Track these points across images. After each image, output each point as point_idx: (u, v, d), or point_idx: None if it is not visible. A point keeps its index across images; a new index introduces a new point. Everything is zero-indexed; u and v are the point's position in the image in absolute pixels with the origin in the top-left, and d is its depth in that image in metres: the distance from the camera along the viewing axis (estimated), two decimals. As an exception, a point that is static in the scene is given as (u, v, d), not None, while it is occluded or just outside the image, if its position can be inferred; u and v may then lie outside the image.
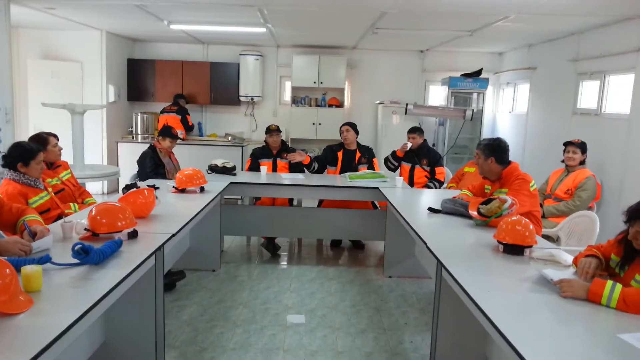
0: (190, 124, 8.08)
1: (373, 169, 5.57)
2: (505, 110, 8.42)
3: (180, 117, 7.95)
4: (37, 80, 7.26)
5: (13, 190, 3.28)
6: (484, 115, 8.31)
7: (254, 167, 5.60)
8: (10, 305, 1.77)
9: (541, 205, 4.53)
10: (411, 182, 5.63)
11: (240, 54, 8.39)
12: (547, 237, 3.91)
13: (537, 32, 6.39)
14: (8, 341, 1.61)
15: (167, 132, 5.05)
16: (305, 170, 5.71)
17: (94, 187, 7.46)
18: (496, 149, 3.61)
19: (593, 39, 5.76)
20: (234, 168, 5.30)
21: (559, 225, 4.19)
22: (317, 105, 8.53)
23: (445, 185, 5.65)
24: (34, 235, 2.52)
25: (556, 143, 4.94)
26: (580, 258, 2.39)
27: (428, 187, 5.51)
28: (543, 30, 6.16)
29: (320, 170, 5.70)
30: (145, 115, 8.04)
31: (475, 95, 8.29)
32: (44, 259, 2.23)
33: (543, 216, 4.44)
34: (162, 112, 8.00)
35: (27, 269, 1.97)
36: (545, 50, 7.02)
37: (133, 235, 2.78)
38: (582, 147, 4.63)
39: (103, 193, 7.72)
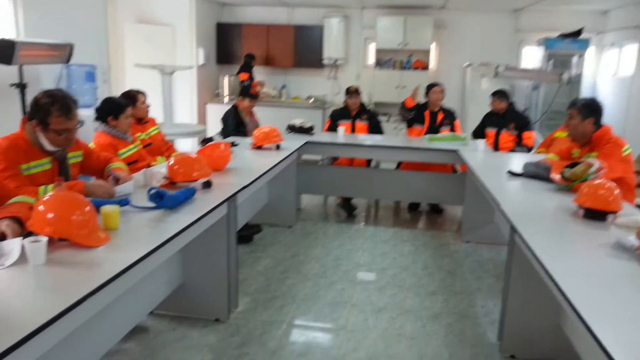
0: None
1: (455, 131, 5.38)
2: (607, 74, 7.74)
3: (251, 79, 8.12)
4: (133, 44, 7.68)
5: (104, 141, 3.53)
6: (582, 79, 7.69)
7: (333, 128, 5.60)
8: (89, 238, 1.93)
9: (639, 174, 4.17)
10: (496, 147, 5.37)
11: (324, 17, 8.32)
12: (642, 207, 3.60)
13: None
14: (86, 269, 1.76)
15: (246, 92, 5.17)
16: (404, 114, 5.58)
17: (186, 145, 7.85)
18: (595, 110, 3.34)
19: None
20: (311, 128, 5.34)
21: (657, 194, 3.83)
22: (402, 68, 8.31)
23: (534, 150, 5.34)
24: (117, 181, 2.71)
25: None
26: None
27: (514, 152, 5.24)
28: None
29: (409, 121, 5.57)
30: (232, 78, 8.27)
31: (574, 59, 7.67)
32: (124, 202, 2.40)
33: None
34: (244, 68, 8.14)
35: (106, 208, 2.13)
36: (658, 4, 6.32)
37: (207, 185, 2.91)
38: None
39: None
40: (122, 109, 3.59)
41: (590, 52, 7.76)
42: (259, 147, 4.34)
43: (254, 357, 2.64)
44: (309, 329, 2.98)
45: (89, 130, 4.06)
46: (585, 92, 7.79)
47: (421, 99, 5.57)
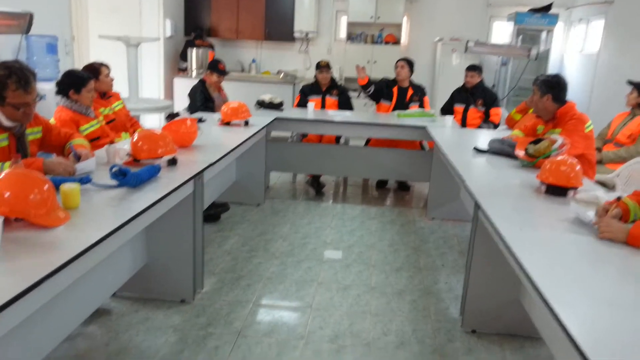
0: None
1: (424, 108, 5.41)
2: (574, 50, 7.85)
3: (214, 52, 7.98)
4: (97, 14, 7.40)
5: (65, 116, 3.42)
6: (550, 55, 7.78)
7: (303, 103, 5.56)
8: (47, 218, 1.88)
9: (599, 150, 4.28)
10: (464, 124, 5.43)
11: (295, -13, 8.18)
12: (602, 183, 3.71)
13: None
14: (44, 251, 1.71)
15: (214, 67, 5.06)
16: (362, 91, 5.61)
17: (152, 120, 7.69)
18: (554, 86, 3.39)
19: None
20: (281, 104, 5.29)
21: (616, 171, 3.94)
22: (373, 42, 8.26)
23: (500, 127, 5.41)
24: (78, 158, 2.64)
25: (628, 86, 4.58)
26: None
27: (481, 128, 5.30)
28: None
29: (374, 97, 5.58)
30: (200, 51, 8.09)
31: (543, 34, 7.74)
32: (85, 180, 2.34)
33: (600, 162, 4.20)
34: (194, 46, 7.97)
35: (66, 186, 2.07)
36: (625, -18, 6.39)
37: (172, 162, 2.86)
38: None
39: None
40: (84, 82, 3.47)
41: (559, 27, 7.83)
42: (227, 123, 4.28)
43: (219, 337, 2.64)
44: (275, 308, 2.99)
45: (51, 105, 3.93)
46: (552, 69, 7.90)
47: (390, 74, 5.58)
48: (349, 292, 3.20)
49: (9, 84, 2.36)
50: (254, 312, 2.91)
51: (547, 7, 7.52)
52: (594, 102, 6.80)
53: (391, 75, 5.62)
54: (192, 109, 5.04)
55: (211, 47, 8.14)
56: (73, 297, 2.18)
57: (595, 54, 6.97)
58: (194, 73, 7.94)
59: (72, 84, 3.46)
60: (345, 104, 5.64)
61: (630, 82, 4.40)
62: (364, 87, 5.50)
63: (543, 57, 7.62)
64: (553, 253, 1.90)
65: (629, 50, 6.09)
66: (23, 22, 4.52)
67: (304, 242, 3.97)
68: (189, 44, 8.08)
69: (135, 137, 2.87)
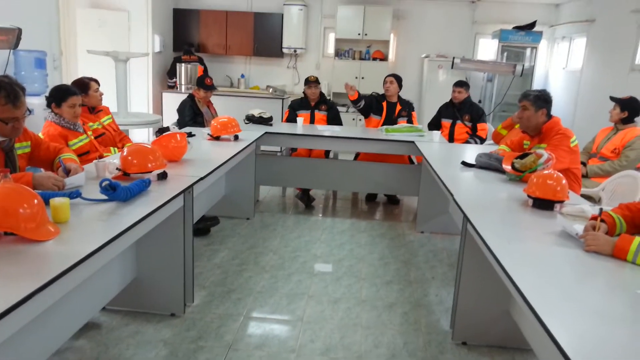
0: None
1: (412, 123, 5.47)
2: (558, 67, 8.01)
3: (203, 67, 8.01)
4: (86, 29, 7.41)
5: (54, 131, 3.40)
6: (535, 72, 7.93)
7: (292, 118, 5.59)
8: (37, 232, 1.87)
9: (584, 165, 4.35)
10: (451, 139, 5.49)
11: (284, 4, 8.25)
12: (587, 197, 3.76)
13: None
14: (34, 264, 1.70)
15: (201, 82, 5.08)
16: (353, 106, 5.64)
17: (140, 135, 7.68)
18: (548, 101, 3.45)
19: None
20: (270, 119, 5.31)
21: (601, 185, 4.01)
22: (361, 59, 8.35)
23: (487, 142, 5.48)
24: (68, 172, 2.63)
25: (611, 102, 4.69)
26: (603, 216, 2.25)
27: (468, 143, 5.36)
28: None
29: (364, 112, 5.63)
30: (189, 66, 8.11)
31: (528, 51, 7.90)
32: (75, 194, 2.33)
33: (586, 176, 4.27)
34: (180, 62, 8.00)
35: (55, 200, 2.07)
36: (606, 0, 6.55)
37: (162, 176, 2.86)
38: (623, 103, 4.36)
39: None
40: (65, 97, 3.43)
41: (543, 44, 8.00)
42: (217, 138, 4.29)
43: (210, 351, 2.63)
44: (266, 322, 2.98)
45: (39, 120, 3.93)
46: (537, 85, 8.04)
47: (378, 90, 5.63)
48: (339, 305, 3.20)
49: None
50: (245, 326, 2.90)
51: (531, 25, 7.69)
52: (578, 117, 6.93)
53: (380, 90, 5.68)
54: (181, 123, 5.05)
55: (200, 61, 8.17)
56: (63, 311, 2.16)
57: (578, 71, 7.12)
58: (183, 88, 7.95)
59: (55, 97, 3.45)
60: (334, 119, 5.68)
61: (613, 99, 4.50)
62: (355, 102, 5.54)
63: (528, 74, 7.76)
64: (541, 266, 1.92)
65: (610, 66, 6.23)
66: (12, 37, 4.51)
67: (294, 255, 3.97)
68: (177, 60, 8.11)
69: (125, 151, 2.87)
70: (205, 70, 8.15)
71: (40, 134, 3.27)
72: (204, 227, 4.29)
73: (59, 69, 5.61)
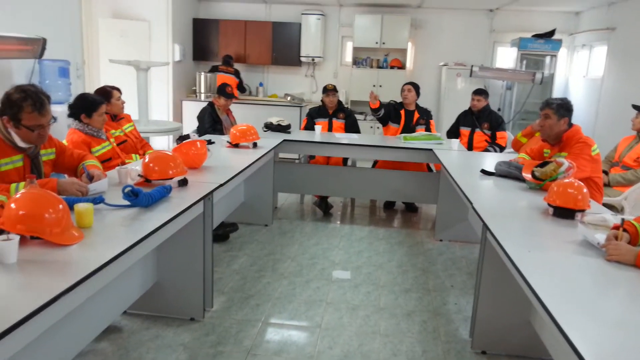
0: (243, 85, 8.26)
1: (430, 131, 5.46)
2: (578, 75, 7.92)
3: (238, 80, 8.08)
4: (108, 39, 7.55)
5: (77, 139, 3.47)
6: (555, 80, 7.86)
7: (310, 126, 5.62)
8: (62, 237, 1.91)
9: (606, 173, 4.29)
10: (470, 147, 5.46)
11: (302, 13, 8.33)
12: (610, 206, 3.71)
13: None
14: (59, 268, 1.74)
15: (222, 91, 5.14)
16: (373, 114, 5.64)
17: (161, 142, 7.78)
18: (570, 109, 3.43)
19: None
20: (288, 126, 5.35)
21: (624, 194, 3.96)
22: (379, 67, 8.37)
23: (507, 150, 5.44)
24: (91, 178, 2.68)
25: (632, 110, 4.64)
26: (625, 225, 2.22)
27: (488, 151, 5.33)
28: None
29: (383, 120, 5.63)
30: (208, 75, 8.22)
31: (547, 59, 7.84)
32: (98, 200, 2.38)
33: (608, 185, 4.21)
34: (217, 70, 8.10)
35: (80, 206, 2.11)
36: (627, 8, 6.48)
37: (183, 183, 2.90)
38: None
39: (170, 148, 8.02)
40: (95, 106, 3.53)
41: (562, 52, 7.92)
42: (236, 145, 4.33)
43: (229, 356, 2.64)
44: (285, 328, 2.99)
45: (63, 127, 4.01)
46: (557, 93, 7.96)
47: (395, 98, 5.63)
48: (357, 312, 3.19)
49: (24, 107, 2.43)
50: (264, 331, 2.91)
51: (550, 33, 7.63)
52: (599, 125, 6.84)
53: (397, 99, 5.68)
54: (200, 131, 5.11)
55: (237, 74, 8.20)
56: (85, 314, 2.20)
57: (599, 79, 7.04)
58: (203, 96, 8.05)
59: (84, 107, 3.52)
60: (352, 126, 5.70)
61: (635, 107, 4.44)
62: (375, 111, 5.55)
63: (547, 82, 7.69)
64: (562, 275, 1.90)
65: (632, 75, 6.15)
66: (36, 47, 4.63)
67: (312, 262, 3.98)
68: (214, 69, 8.18)
69: (147, 158, 2.92)
70: (240, 83, 8.19)
71: (64, 141, 3.34)
72: (223, 233, 4.32)
73: (82, 78, 5.74)
